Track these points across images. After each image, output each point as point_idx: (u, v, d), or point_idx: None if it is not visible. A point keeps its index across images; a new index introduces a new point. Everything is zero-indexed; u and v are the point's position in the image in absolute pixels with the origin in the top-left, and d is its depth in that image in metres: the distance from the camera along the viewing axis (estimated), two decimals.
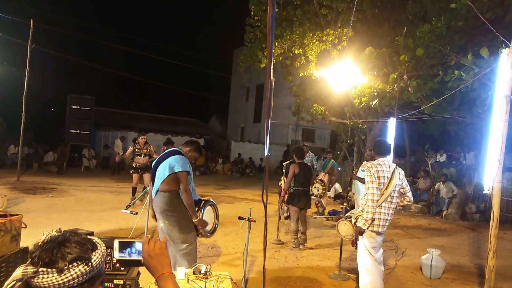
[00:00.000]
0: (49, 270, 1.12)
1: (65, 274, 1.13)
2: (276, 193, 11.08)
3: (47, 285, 1.12)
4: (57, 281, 1.12)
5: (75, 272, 1.15)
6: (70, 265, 1.14)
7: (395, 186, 4.19)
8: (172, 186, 3.94)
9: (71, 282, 1.14)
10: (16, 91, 14.53)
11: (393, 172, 4.21)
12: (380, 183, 4.13)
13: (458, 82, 7.64)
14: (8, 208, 7.67)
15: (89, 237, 1.27)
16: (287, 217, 7.24)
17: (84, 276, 1.17)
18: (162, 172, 3.96)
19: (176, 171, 3.89)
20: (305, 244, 6.63)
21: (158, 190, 4.01)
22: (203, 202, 4.14)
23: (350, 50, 9.98)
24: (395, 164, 4.32)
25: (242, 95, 30.93)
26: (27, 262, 1.15)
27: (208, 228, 4.17)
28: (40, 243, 1.18)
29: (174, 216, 3.96)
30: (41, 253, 1.14)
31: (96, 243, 1.26)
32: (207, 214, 4.16)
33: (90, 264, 1.19)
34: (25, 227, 2.27)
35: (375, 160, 4.36)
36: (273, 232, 7.11)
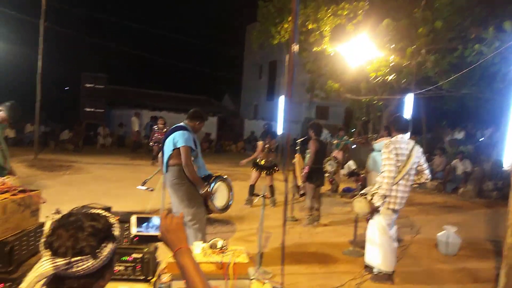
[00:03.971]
0: (83, 258, 1.11)
1: (99, 257, 1.15)
2: (290, 170, 11.09)
3: (82, 271, 1.12)
4: (93, 265, 1.13)
5: (107, 251, 1.17)
6: (101, 248, 1.16)
7: (413, 164, 4.12)
8: (179, 160, 4.02)
9: (104, 260, 1.16)
10: (30, 71, 14.64)
11: (412, 149, 4.13)
12: (398, 160, 4.06)
13: (478, 56, 7.40)
14: (27, 185, 7.85)
15: (99, 212, 1.26)
16: (302, 194, 7.24)
17: (113, 251, 1.21)
18: (168, 148, 4.08)
19: (178, 146, 3.99)
20: (319, 221, 6.65)
21: (168, 165, 4.10)
22: (213, 177, 4.15)
23: (366, 24, 9.70)
24: (414, 141, 4.24)
25: (255, 72, 30.60)
26: (48, 254, 1.11)
27: (220, 204, 4.19)
28: (51, 230, 1.15)
29: (181, 189, 4.04)
30: (66, 243, 1.11)
31: (108, 217, 1.26)
32: (219, 190, 4.18)
33: (115, 239, 1.22)
34: (44, 202, 2.30)
35: (392, 136, 4.28)
36: (287, 209, 7.12)
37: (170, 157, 4.06)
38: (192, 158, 4.01)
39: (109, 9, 34.88)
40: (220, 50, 31.80)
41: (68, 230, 1.13)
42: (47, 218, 1.18)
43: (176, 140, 4.01)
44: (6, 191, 2.15)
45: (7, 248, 2.00)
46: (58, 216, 1.18)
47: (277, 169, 7.73)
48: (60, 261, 1.09)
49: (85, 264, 1.11)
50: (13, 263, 2.04)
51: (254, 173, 7.66)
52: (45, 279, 1.09)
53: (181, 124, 4.23)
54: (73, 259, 1.10)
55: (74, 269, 1.10)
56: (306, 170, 6.76)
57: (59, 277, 1.11)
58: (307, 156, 6.82)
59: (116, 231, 1.23)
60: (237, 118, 28.40)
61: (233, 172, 12.01)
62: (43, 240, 1.14)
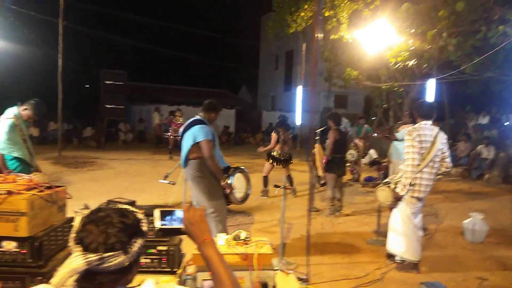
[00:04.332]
0: (115, 253, 1.13)
1: (130, 253, 1.16)
2: (309, 160, 11.03)
3: (113, 266, 1.13)
4: (124, 261, 1.15)
5: (137, 247, 1.19)
6: (131, 244, 1.17)
7: (438, 151, 4.02)
8: (199, 153, 4.05)
9: (134, 255, 1.18)
10: (50, 69, 14.94)
11: (436, 136, 4.03)
12: (422, 147, 3.97)
13: (502, 38, 7.15)
14: (53, 182, 8.06)
15: (127, 207, 1.26)
16: (323, 184, 7.19)
17: (142, 247, 1.23)
18: (187, 142, 4.09)
19: (198, 140, 4.00)
20: (341, 211, 6.60)
21: (187, 159, 4.13)
22: (232, 169, 4.17)
23: (385, 9, 9.47)
24: (438, 128, 4.13)
25: (271, 63, 30.40)
26: (79, 249, 1.12)
27: (239, 195, 4.22)
28: (81, 225, 1.15)
29: (203, 182, 4.08)
30: (97, 238, 1.12)
31: (136, 212, 1.27)
32: (238, 181, 4.22)
33: (144, 235, 1.23)
34: (70, 198, 2.34)
35: (416, 122, 4.18)
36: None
37: (189, 151, 4.08)
38: None
39: (125, 5, 35.17)
40: (235, 42, 31.70)
41: (98, 226, 1.14)
42: (76, 213, 1.19)
43: (196, 134, 4.02)
44: (34, 188, 2.20)
45: (37, 243, 2.06)
46: (87, 212, 1.18)
47: (291, 161, 7.64)
48: (93, 257, 1.10)
49: (116, 259, 1.13)
50: (43, 258, 2.09)
51: (267, 164, 7.62)
52: (77, 274, 1.10)
53: (197, 117, 4.24)
54: (105, 255, 1.11)
55: (105, 265, 1.11)
56: (325, 160, 6.71)
57: (90, 273, 1.12)
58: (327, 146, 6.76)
59: (145, 227, 1.24)
60: (254, 110, 28.36)
61: (252, 164, 12.03)
62: (73, 235, 1.15)
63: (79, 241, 1.13)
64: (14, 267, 2.05)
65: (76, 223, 1.16)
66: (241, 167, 4.30)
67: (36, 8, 16.46)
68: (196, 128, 4.06)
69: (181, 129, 4.33)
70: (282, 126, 7.61)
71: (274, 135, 7.52)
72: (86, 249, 1.11)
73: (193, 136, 4.04)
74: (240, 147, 18.21)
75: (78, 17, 18.68)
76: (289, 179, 7.61)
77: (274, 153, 7.48)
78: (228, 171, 4.15)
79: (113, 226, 1.15)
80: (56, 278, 1.11)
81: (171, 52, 29.08)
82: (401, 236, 4.22)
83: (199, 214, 1.47)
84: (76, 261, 1.10)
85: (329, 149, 6.50)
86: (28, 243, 2.05)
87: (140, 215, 1.26)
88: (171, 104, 22.21)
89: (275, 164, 7.54)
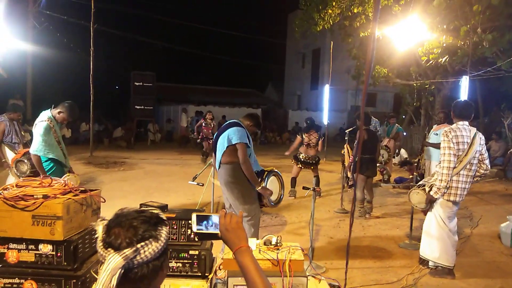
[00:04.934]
0: (147, 242, 1.15)
1: (160, 238, 1.18)
2: (337, 160, 10.88)
3: (149, 256, 1.15)
4: (157, 248, 1.17)
5: (164, 234, 1.21)
6: (158, 231, 1.19)
7: (475, 153, 3.86)
8: (233, 157, 3.98)
9: (164, 245, 1.20)
10: (82, 72, 15.37)
11: (474, 137, 3.87)
12: (459, 149, 3.82)
13: None
14: (85, 182, 8.29)
15: (141, 209, 1.28)
16: (351, 186, 7.07)
17: (168, 235, 1.27)
18: (222, 144, 4.02)
19: (233, 142, 3.93)
20: (371, 213, 6.46)
21: (220, 162, 4.08)
22: (266, 172, 4.12)
23: (415, 5, 9.21)
24: (475, 129, 3.96)
25: (297, 61, 30.24)
26: (111, 251, 1.13)
27: (273, 198, 4.17)
28: (105, 232, 1.17)
29: (237, 187, 4.02)
30: (126, 235, 1.14)
31: (150, 208, 1.31)
32: (271, 184, 4.15)
33: (167, 223, 1.25)
34: (104, 202, 2.38)
35: (453, 123, 4.03)
36: (337, 201, 7.00)
37: (223, 154, 4.02)
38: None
39: (153, 7, 35.76)
40: (262, 40, 31.66)
41: (122, 226, 1.16)
42: (95, 224, 1.20)
43: (231, 136, 3.95)
44: (69, 192, 2.25)
45: (72, 247, 2.09)
46: (105, 221, 1.20)
47: (317, 164, 7.59)
48: (128, 251, 1.12)
49: (150, 247, 1.15)
50: (78, 260, 2.13)
51: (295, 166, 7.63)
52: (118, 272, 1.11)
53: (235, 120, 4.18)
54: (138, 245, 1.13)
55: (141, 256, 1.13)
56: (351, 160, 6.60)
57: (129, 268, 1.13)
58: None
59: (163, 216, 1.27)
60: (280, 109, 28.27)
61: (278, 164, 11.98)
62: (100, 244, 1.16)
63: (109, 245, 1.14)
64: (50, 270, 2.10)
65: (99, 233, 1.17)
66: (275, 170, 4.24)
67: (68, 12, 17.01)
68: (232, 130, 3.99)
69: (216, 133, 4.29)
70: (311, 129, 7.53)
71: (298, 138, 7.55)
72: (118, 248, 1.13)
73: (228, 138, 3.96)
74: (266, 147, 18.18)
75: (109, 20, 19.13)
76: (317, 179, 7.54)
77: (301, 156, 7.48)
78: (262, 174, 4.09)
79: (136, 220, 1.18)
80: (99, 285, 1.11)
81: (198, 52, 29.41)
82: (436, 240, 4.08)
83: (235, 220, 1.46)
84: (113, 260, 1.11)
85: (355, 150, 6.38)
86: (63, 246, 2.09)
87: (155, 210, 1.29)
88: (198, 104, 22.46)
89: (301, 167, 7.52)
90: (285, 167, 11.41)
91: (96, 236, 1.19)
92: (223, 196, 4.27)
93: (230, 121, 4.22)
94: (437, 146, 5.87)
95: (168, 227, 1.25)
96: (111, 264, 1.10)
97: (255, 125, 4.25)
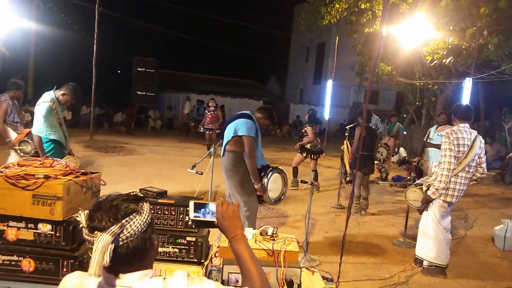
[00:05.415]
0: (130, 217, 1.17)
1: (143, 212, 1.22)
2: (336, 156, 10.90)
3: (136, 229, 1.17)
4: (142, 221, 1.20)
5: (146, 208, 1.25)
6: (140, 206, 1.23)
7: (475, 155, 3.89)
8: (237, 147, 4.01)
9: (148, 218, 1.23)
10: (85, 54, 15.31)
11: (474, 140, 3.89)
12: (459, 151, 3.84)
13: None
14: (84, 165, 8.30)
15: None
16: (349, 181, 7.11)
17: (151, 210, 1.29)
18: (228, 133, 4.05)
19: (239, 134, 3.95)
20: (367, 210, 6.51)
21: (225, 150, 4.11)
22: (270, 168, 4.11)
23: (423, 4, 9.16)
24: (476, 132, 3.98)
25: (301, 55, 30.12)
26: (98, 233, 1.14)
27: (274, 195, 4.16)
28: (88, 219, 1.18)
29: (236, 177, 4.04)
30: (109, 216, 1.16)
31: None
32: (275, 181, 4.12)
33: (146, 199, 1.28)
34: (104, 185, 2.39)
35: (454, 125, 4.05)
36: (334, 196, 7.04)
37: (228, 143, 4.05)
38: None
39: None
40: (266, 32, 31.46)
41: (104, 209, 1.18)
42: (76, 215, 1.22)
43: (238, 128, 3.96)
44: (70, 173, 2.26)
45: (71, 227, 2.12)
46: (86, 211, 1.21)
47: (322, 155, 7.70)
48: (114, 227, 1.14)
49: (135, 221, 1.18)
50: (76, 241, 2.15)
51: (298, 156, 7.69)
52: (109, 248, 1.12)
53: (247, 112, 4.16)
54: (123, 220, 1.16)
55: (128, 229, 1.16)
56: (350, 157, 6.64)
57: (118, 244, 1.15)
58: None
59: (141, 194, 1.30)
60: (282, 102, 28.23)
61: (278, 157, 12.02)
62: (85, 230, 1.18)
63: (94, 229, 1.16)
64: (48, 249, 2.12)
65: (83, 220, 1.19)
66: (280, 167, 4.22)
67: None
68: (240, 121, 4.00)
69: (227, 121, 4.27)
70: (313, 120, 7.64)
71: (310, 128, 7.54)
72: (104, 229, 1.14)
73: (235, 128, 3.98)
74: (266, 139, 18.19)
75: (113, 3, 18.97)
76: (315, 174, 7.58)
77: (308, 146, 7.55)
78: (267, 169, 4.08)
79: (116, 200, 1.21)
80: (92, 267, 1.12)
81: (201, 41, 29.22)
82: (432, 240, 4.11)
83: (232, 209, 1.49)
84: (102, 238, 1.12)
85: (355, 146, 6.40)
86: (62, 226, 2.11)
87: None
88: (199, 93, 22.41)
89: (308, 156, 7.56)
90: (283, 159, 11.46)
91: (80, 225, 1.19)
92: (225, 183, 4.30)
93: (242, 112, 4.21)
94: (438, 147, 5.89)
95: (148, 204, 1.27)
96: (100, 242, 1.12)
97: (268, 117, 4.23)
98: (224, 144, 4.10)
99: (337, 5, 10.83)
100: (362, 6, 10.71)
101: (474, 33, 8.53)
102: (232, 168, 4.04)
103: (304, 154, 7.59)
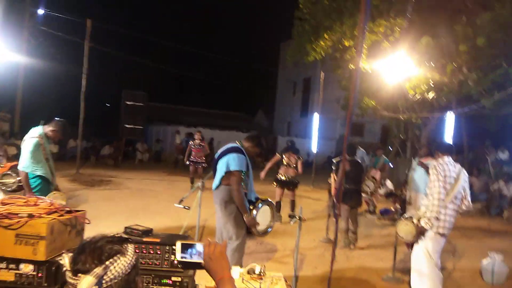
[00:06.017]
0: (115, 258, 1.16)
1: (127, 253, 1.20)
2: (324, 189, 10.92)
3: (120, 271, 1.15)
4: (126, 262, 1.18)
5: (131, 249, 1.23)
6: (124, 248, 1.21)
7: (461, 188, 3.96)
8: (231, 181, 4.04)
9: (133, 259, 1.20)
10: (73, 88, 15.36)
11: (459, 173, 3.98)
12: (446, 182, 3.91)
13: None
14: (69, 200, 8.15)
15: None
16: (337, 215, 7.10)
17: (136, 250, 1.29)
18: (221, 169, 4.10)
19: (231, 169, 4.00)
20: (355, 244, 6.47)
21: (220, 184, 4.13)
22: (259, 200, 4.13)
23: (404, 41, 9.53)
24: (459, 165, 4.08)
25: (289, 89, 30.72)
26: (81, 276, 1.13)
27: (262, 228, 4.14)
28: (71, 262, 1.17)
29: (231, 207, 4.07)
30: (93, 257, 1.15)
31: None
32: (263, 214, 4.14)
33: (131, 241, 1.27)
34: (89, 223, 2.36)
35: (437, 159, 4.14)
36: (323, 230, 7.00)
37: (223, 178, 4.09)
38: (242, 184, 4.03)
39: (147, 28, 36.21)
40: (254, 67, 32.16)
41: (88, 252, 1.17)
42: (60, 259, 1.21)
43: (230, 163, 4.01)
44: (54, 212, 2.24)
45: (53, 267, 2.07)
46: (70, 254, 1.21)
47: (297, 185, 7.79)
48: (98, 269, 1.12)
49: (119, 262, 1.16)
50: (58, 282, 2.10)
51: (277, 189, 7.76)
52: None
53: (237, 145, 4.21)
54: (107, 262, 1.14)
55: (112, 271, 1.14)
56: (333, 191, 6.68)
57: (102, 286, 1.13)
58: None
59: (126, 236, 1.28)
60: (270, 134, 28.45)
61: (266, 190, 11.97)
62: (68, 273, 1.16)
63: (77, 271, 1.14)
64: None
65: (66, 264, 1.17)
66: (269, 200, 4.26)
67: (62, 28, 17.14)
68: (232, 156, 4.04)
69: (216, 154, 4.30)
70: (290, 150, 7.77)
71: (276, 156, 7.68)
72: (87, 272, 1.12)
73: (227, 163, 4.03)
74: (254, 171, 18.16)
75: (102, 38, 19.25)
76: (292, 204, 7.71)
77: (279, 176, 7.64)
78: (255, 202, 4.11)
79: (100, 241, 1.19)
80: None
81: (190, 74, 29.67)
82: (425, 277, 4.04)
83: (219, 250, 1.48)
84: (85, 281, 1.11)
85: (338, 181, 6.45)
86: (45, 267, 2.06)
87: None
88: (188, 126, 22.51)
89: (282, 188, 7.63)
90: (271, 192, 11.40)
91: (64, 268, 1.18)
92: (216, 216, 4.28)
93: (232, 145, 4.24)
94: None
95: (133, 245, 1.26)
96: (84, 285, 1.11)
97: (257, 145, 4.29)
98: (218, 178, 4.13)
99: (322, 43, 11.18)
100: (346, 44, 11.08)
101: (454, 69, 8.86)
102: (229, 200, 4.07)
103: (276, 185, 7.70)
